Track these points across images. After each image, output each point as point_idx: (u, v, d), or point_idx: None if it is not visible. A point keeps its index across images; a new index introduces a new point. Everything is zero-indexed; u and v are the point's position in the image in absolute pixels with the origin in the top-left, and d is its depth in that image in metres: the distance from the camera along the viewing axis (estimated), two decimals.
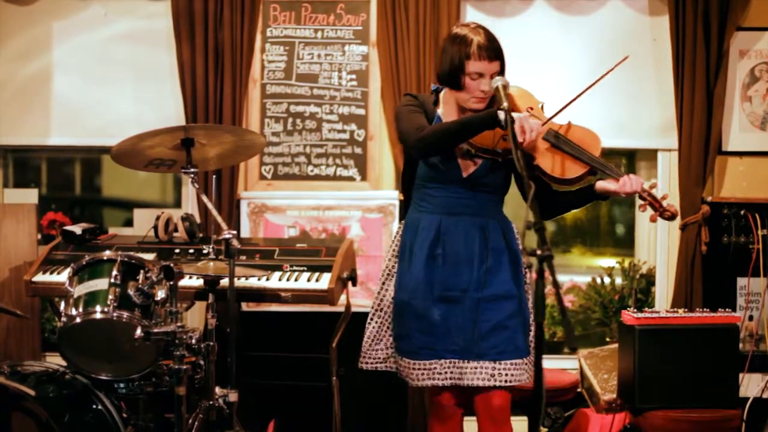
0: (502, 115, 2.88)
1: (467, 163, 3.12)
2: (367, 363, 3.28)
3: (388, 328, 3.24)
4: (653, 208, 3.04)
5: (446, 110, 3.16)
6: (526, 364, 3.10)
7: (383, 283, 3.28)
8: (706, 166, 4.58)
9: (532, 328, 3.18)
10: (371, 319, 3.28)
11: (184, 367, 3.06)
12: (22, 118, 4.87)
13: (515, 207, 3.37)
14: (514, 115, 2.91)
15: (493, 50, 3.01)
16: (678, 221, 4.65)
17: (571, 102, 3.05)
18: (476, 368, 3.08)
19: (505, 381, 3.05)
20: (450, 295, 3.10)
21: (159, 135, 3.39)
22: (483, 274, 3.10)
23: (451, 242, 3.12)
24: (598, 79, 3.08)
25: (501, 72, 3.06)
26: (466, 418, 3.31)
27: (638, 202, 3.12)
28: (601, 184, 3.05)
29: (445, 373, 3.10)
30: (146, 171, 3.65)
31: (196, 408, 3.29)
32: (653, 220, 3.08)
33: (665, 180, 4.75)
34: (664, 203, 3.04)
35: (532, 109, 3.12)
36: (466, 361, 3.09)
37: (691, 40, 4.54)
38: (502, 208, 3.25)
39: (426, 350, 3.10)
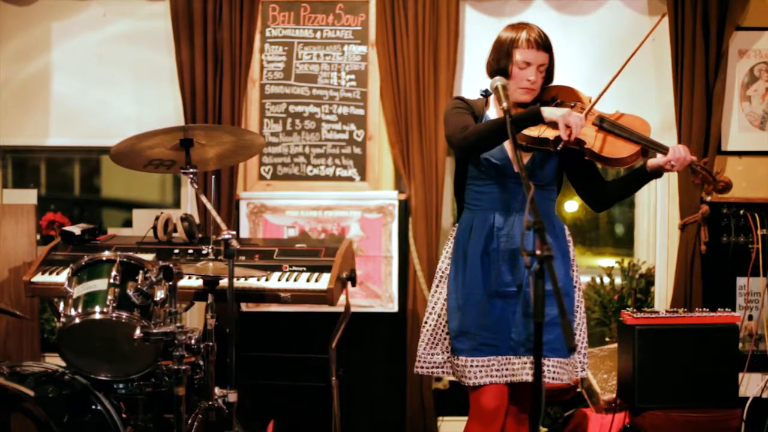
0: (546, 112, 2.95)
1: (518, 156, 3.12)
2: (423, 368, 3.24)
3: (443, 330, 3.21)
4: (706, 180, 3.08)
5: (495, 110, 3.19)
6: (568, 364, 3.12)
7: (437, 286, 3.25)
8: (706, 166, 4.57)
9: (578, 330, 3.21)
10: (426, 322, 3.25)
11: (184, 367, 3.06)
12: (21, 118, 4.87)
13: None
14: (557, 111, 2.95)
15: (541, 40, 3.09)
16: (677, 221, 4.66)
17: (608, 85, 3.10)
18: (526, 363, 3.08)
19: (552, 378, 3.07)
20: (506, 291, 3.10)
21: (158, 135, 3.39)
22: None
23: (505, 237, 3.12)
24: (633, 53, 3.11)
25: (550, 69, 3.15)
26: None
27: (690, 176, 3.15)
28: (653, 161, 3.07)
29: (502, 369, 3.10)
30: (145, 171, 3.65)
31: (196, 408, 3.29)
32: (708, 192, 3.11)
33: (664, 180, 4.75)
34: (717, 176, 3.07)
35: (574, 105, 3.15)
36: (518, 357, 3.09)
37: (691, 40, 4.54)
38: (554, 207, 3.25)
39: (487, 347, 3.09)
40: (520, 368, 3.09)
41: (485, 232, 3.13)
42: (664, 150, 3.04)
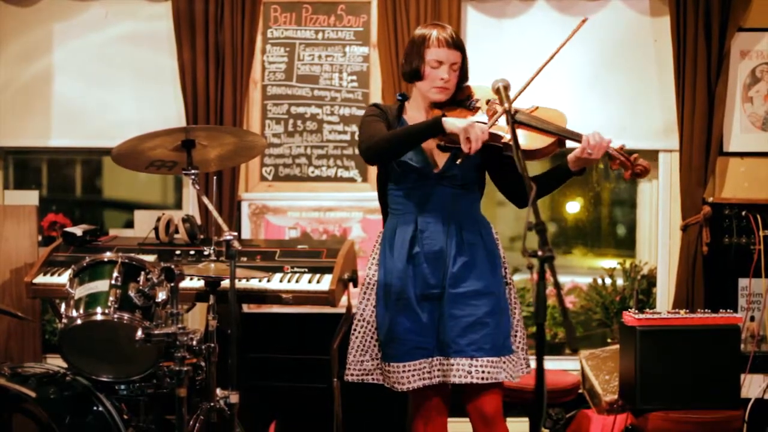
0: (447, 123, 2.92)
1: (437, 159, 3.13)
2: (352, 375, 3.23)
3: (372, 337, 3.21)
4: (624, 166, 3.01)
5: (411, 115, 3.18)
6: (504, 362, 3.08)
7: (364, 293, 3.24)
8: (708, 167, 4.57)
9: (518, 327, 3.20)
10: (355, 329, 3.24)
11: (185, 368, 3.06)
12: (23, 119, 4.87)
13: (514, 210, 3.36)
14: (458, 123, 2.91)
15: (451, 39, 3.08)
16: (679, 222, 4.65)
17: (525, 86, 3.04)
18: (453, 365, 3.07)
19: (481, 378, 3.03)
20: (431, 293, 3.10)
21: (160, 136, 3.39)
22: (459, 270, 3.09)
23: (428, 240, 3.11)
24: (555, 52, 3.04)
25: (464, 68, 3.12)
26: (458, 419, 3.31)
27: (608, 162, 3.07)
28: (572, 154, 3.03)
29: (434, 371, 3.10)
30: (147, 172, 3.65)
31: (197, 409, 3.29)
32: (627, 178, 3.05)
33: (666, 180, 4.75)
34: (634, 160, 3.01)
35: (489, 102, 3.11)
36: (447, 358, 3.09)
37: (692, 41, 4.54)
38: (478, 207, 3.23)
39: (418, 350, 3.09)
40: (449, 369, 3.08)
41: (408, 236, 3.13)
42: (579, 138, 2.99)
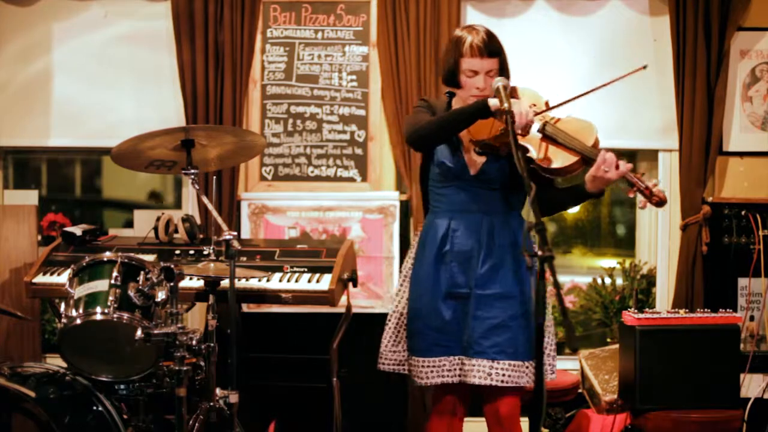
0: (492, 102, 2.92)
1: (474, 160, 3.15)
2: (384, 364, 3.31)
3: (403, 329, 3.26)
4: (643, 194, 2.99)
5: None
6: (527, 367, 3.09)
7: (401, 285, 3.30)
8: (707, 167, 4.57)
9: (547, 332, 3.21)
10: (389, 320, 3.31)
11: (185, 368, 3.06)
12: (22, 119, 4.87)
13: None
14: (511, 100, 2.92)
15: (486, 47, 3.06)
16: (679, 221, 4.65)
17: (573, 99, 3.04)
18: (474, 365, 3.09)
19: (501, 381, 3.05)
20: (458, 292, 3.13)
21: (159, 136, 3.39)
22: (487, 271, 3.11)
23: (459, 239, 3.14)
24: (610, 82, 3.05)
25: (502, 70, 3.11)
26: (472, 419, 3.32)
27: (626, 189, 3.07)
28: (588, 173, 3.01)
29: (454, 369, 3.13)
30: (146, 172, 3.65)
31: (197, 409, 3.29)
32: (643, 206, 3.03)
33: (666, 180, 4.75)
34: (654, 189, 2.99)
35: (534, 105, 3.11)
36: (469, 358, 3.11)
37: (692, 41, 4.53)
38: (516, 210, 3.22)
39: (438, 347, 3.12)
40: (470, 370, 3.10)
41: (440, 234, 3.16)
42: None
